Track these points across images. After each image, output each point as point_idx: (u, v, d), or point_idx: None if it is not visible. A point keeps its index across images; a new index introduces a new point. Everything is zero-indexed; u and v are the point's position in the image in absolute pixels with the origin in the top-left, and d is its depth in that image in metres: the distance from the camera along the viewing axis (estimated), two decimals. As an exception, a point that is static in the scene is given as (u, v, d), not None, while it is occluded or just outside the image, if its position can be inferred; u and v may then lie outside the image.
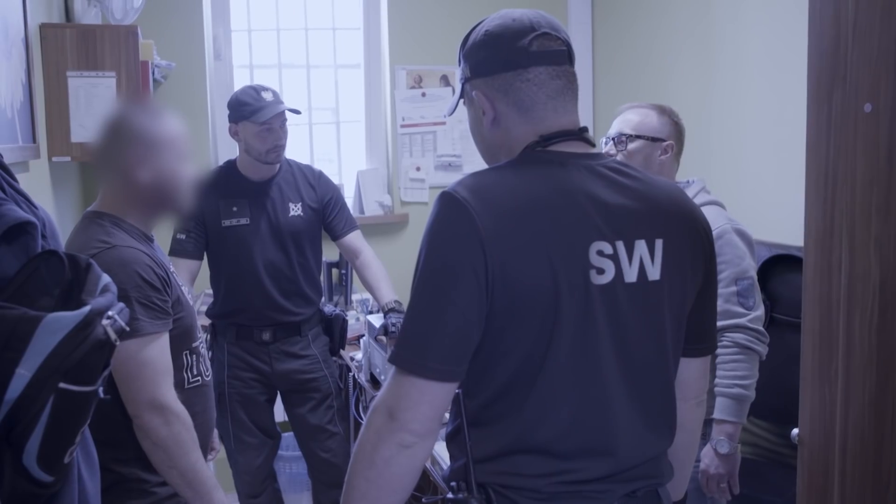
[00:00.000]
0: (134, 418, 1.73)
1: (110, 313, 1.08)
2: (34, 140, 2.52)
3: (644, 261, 1.32)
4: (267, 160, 2.92)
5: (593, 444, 1.32)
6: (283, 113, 2.89)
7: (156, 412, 1.72)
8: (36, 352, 0.99)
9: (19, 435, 1.01)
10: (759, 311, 2.19)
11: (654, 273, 1.33)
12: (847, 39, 1.37)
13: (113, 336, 1.07)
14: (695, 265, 1.40)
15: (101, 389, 1.10)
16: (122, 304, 1.13)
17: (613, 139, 2.28)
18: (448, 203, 1.28)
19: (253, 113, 2.85)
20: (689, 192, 2.29)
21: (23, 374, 0.99)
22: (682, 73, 3.52)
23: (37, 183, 2.63)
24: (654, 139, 2.26)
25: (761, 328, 2.18)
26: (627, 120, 2.30)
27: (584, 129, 1.39)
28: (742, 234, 2.23)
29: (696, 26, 3.42)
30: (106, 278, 1.15)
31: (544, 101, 1.35)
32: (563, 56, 1.36)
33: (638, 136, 2.26)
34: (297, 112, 2.96)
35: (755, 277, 2.22)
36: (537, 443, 1.30)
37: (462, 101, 1.46)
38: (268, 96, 2.88)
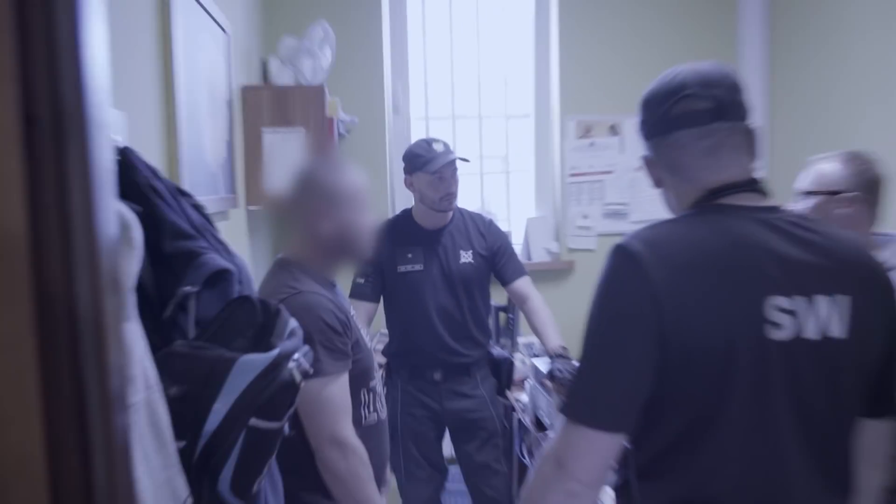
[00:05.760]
0: (316, 451, 1.79)
1: (296, 356, 1.13)
2: (233, 191, 2.70)
3: (825, 317, 1.25)
4: (440, 208, 2.98)
5: (765, 502, 1.24)
6: (453, 162, 2.94)
7: (335, 447, 1.77)
8: (230, 390, 1.05)
9: (215, 464, 1.07)
10: None
11: (836, 330, 1.25)
12: None
13: (298, 378, 1.12)
14: (880, 324, 1.30)
15: (286, 426, 1.15)
16: (307, 348, 1.19)
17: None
18: (622, 256, 1.26)
19: (425, 164, 2.92)
20: (892, 249, 2.12)
21: (219, 410, 1.05)
22: (863, 118, 3.32)
23: (235, 229, 2.80)
24: (830, 193, 2.12)
25: None
26: (805, 175, 2.17)
27: (755, 181, 1.33)
28: None
29: (880, 69, 3.22)
30: (293, 323, 1.20)
31: (691, 164, 1.33)
32: (706, 116, 1.30)
33: (815, 192, 2.13)
34: (465, 160, 3.00)
35: None
36: (707, 499, 1.25)
37: None
38: (439, 147, 2.95)
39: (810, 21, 3.70)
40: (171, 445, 0.96)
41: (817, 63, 3.65)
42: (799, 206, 2.14)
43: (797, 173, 2.24)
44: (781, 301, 1.22)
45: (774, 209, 1.32)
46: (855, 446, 1.33)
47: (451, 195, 2.97)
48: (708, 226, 1.28)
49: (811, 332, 1.24)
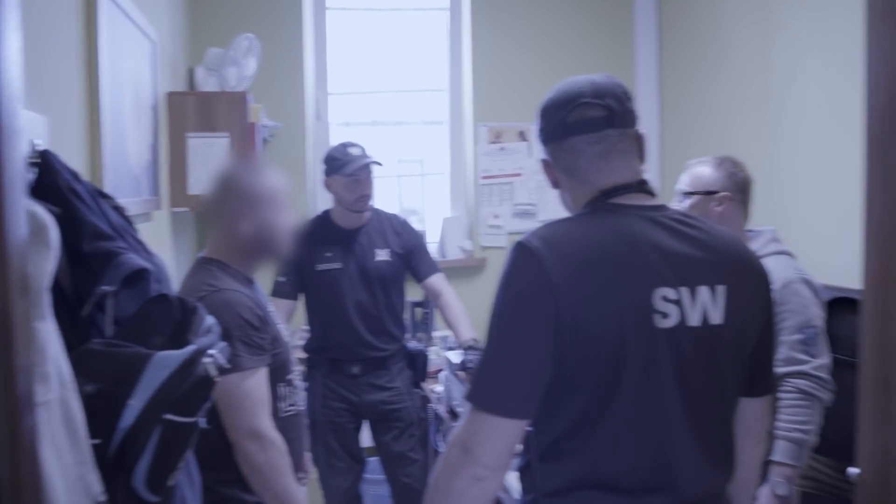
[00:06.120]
0: (234, 444, 1.75)
1: (212, 352, 1.10)
2: (157, 193, 2.62)
3: (706, 306, 1.28)
4: (355, 208, 2.96)
5: (656, 480, 1.28)
6: (367, 165, 2.92)
7: (253, 439, 1.74)
8: (146, 386, 1.02)
9: (130, 460, 1.03)
10: (824, 360, 2.09)
11: (715, 317, 1.29)
12: (901, 97, 1.31)
13: (213, 373, 1.09)
14: (754, 310, 1.35)
15: (202, 420, 1.11)
16: (223, 344, 1.16)
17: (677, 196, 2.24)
18: (521, 252, 1.27)
19: (341, 167, 2.90)
20: (759, 242, 2.22)
21: (134, 406, 1.02)
22: (743, 125, 3.44)
23: (159, 230, 2.72)
24: (707, 193, 2.20)
25: (825, 376, 2.08)
26: (684, 177, 2.25)
27: (643, 182, 1.36)
28: (809, 284, 2.13)
29: (757, 81, 3.34)
30: (210, 320, 1.17)
31: (586, 167, 1.35)
32: (599, 123, 1.33)
33: (693, 193, 2.21)
34: (378, 164, 2.97)
35: (821, 326, 2.12)
36: (603, 478, 1.27)
37: None
38: (355, 151, 2.92)
39: (696, 38, 3.82)
40: (85, 443, 0.92)
41: (702, 76, 3.77)
42: (679, 205, 2.21)
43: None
44: (668, 292, 1.25)
45: (661, 208, 1.35)
46: (735, 424, 1.37)
47: (366, 197, 2.95)
48: (601, 224, 1.30)
49: (693, 319, 1.27)
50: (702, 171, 2.23)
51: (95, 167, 1.91)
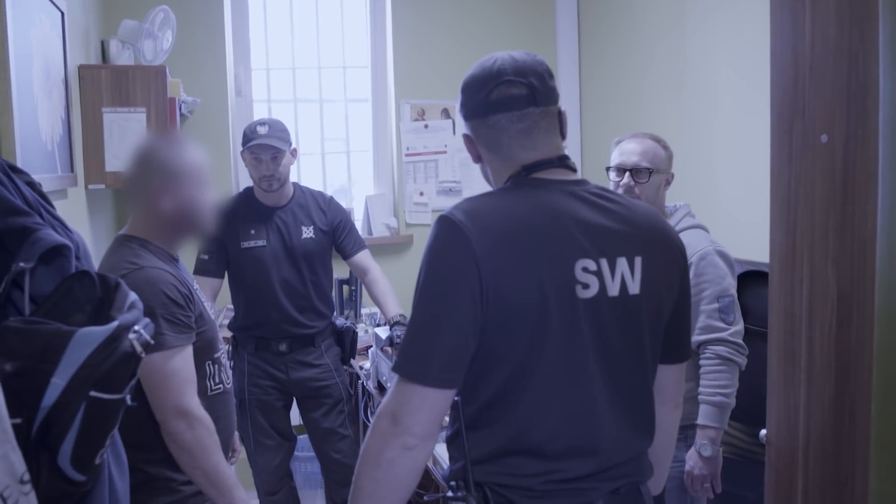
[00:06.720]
0: (161, 424, 1.73)
1: (136, 328, 1.08)
2: (72, 170, 2.54)
3: (625, 276, 1.33)
4: (260, 186, 2.95)
5: (580, 444, 1.32)
6: (268, 146, 2.87)
7: (181, 418, 1.72)
8: (69, 363, 1.00)
9: (54, 438, 1.01)
10: (739, 326, 2.19)
11: (633, 288, 1.33)
12: (805, 77, 1.38)
13: (138, 349, 1.08)
14: (670, 280, 1.40)
15: (128, 397, 1.10)
16: (147, 320, 1.14)
17: (630, 171, 2.24)
18: (446, 225, 1.29)
19: (246, 143, 2.90)
20: (676, 217, 2.30)
21: (57, 384, 1.00)
22: (659, 104, 3.54)
23: (74, 208, 2.64)
24: (664, 171, 2.27)
25: (741, 341, 2.18)
26: (643, 153, 2.25)
27: (565, 157, 1.39)
28: (723, 256, 2.23)
29: (672, 62, 3.44)
30: (133, 296, 1.16)
31: (508, 143, 1.37)
32: (521, 101, 1.34)
33: (658, 170, 2.25)
34: (277, 147, 2.88)
35: (735, 295, 2.22)
36: (529, 444, 1.31)
37: None
38: (262, 130, 2.89)
39: (614, 17, 3.90)
40: (6, 422, 0.90)
41: (620, 55, 3.85)
42: (620, 181, 2.25)
43: (605, 151, 2.37)
44: (588, 263, 1.29)
45: (581, 182, 1.39)
46: (654, 389, 1.42)
47: (270, 178, 2.90)
48: (523, 197, 1.33)
49: (613, 290, 1.31)
50: (656, 147, 2.28)
51: (5, 141, 1.84)
